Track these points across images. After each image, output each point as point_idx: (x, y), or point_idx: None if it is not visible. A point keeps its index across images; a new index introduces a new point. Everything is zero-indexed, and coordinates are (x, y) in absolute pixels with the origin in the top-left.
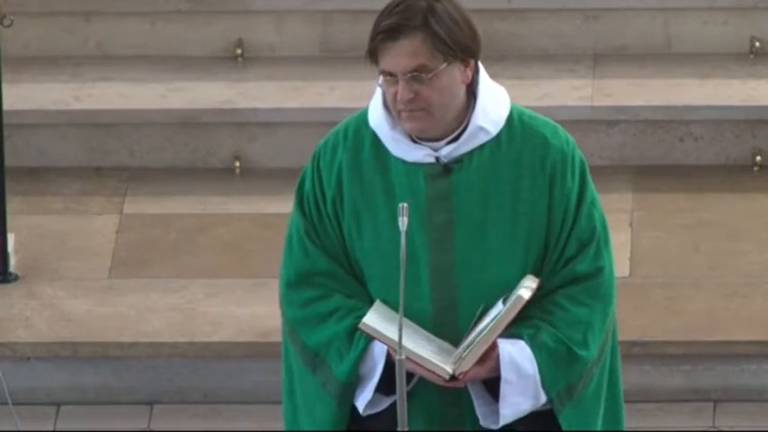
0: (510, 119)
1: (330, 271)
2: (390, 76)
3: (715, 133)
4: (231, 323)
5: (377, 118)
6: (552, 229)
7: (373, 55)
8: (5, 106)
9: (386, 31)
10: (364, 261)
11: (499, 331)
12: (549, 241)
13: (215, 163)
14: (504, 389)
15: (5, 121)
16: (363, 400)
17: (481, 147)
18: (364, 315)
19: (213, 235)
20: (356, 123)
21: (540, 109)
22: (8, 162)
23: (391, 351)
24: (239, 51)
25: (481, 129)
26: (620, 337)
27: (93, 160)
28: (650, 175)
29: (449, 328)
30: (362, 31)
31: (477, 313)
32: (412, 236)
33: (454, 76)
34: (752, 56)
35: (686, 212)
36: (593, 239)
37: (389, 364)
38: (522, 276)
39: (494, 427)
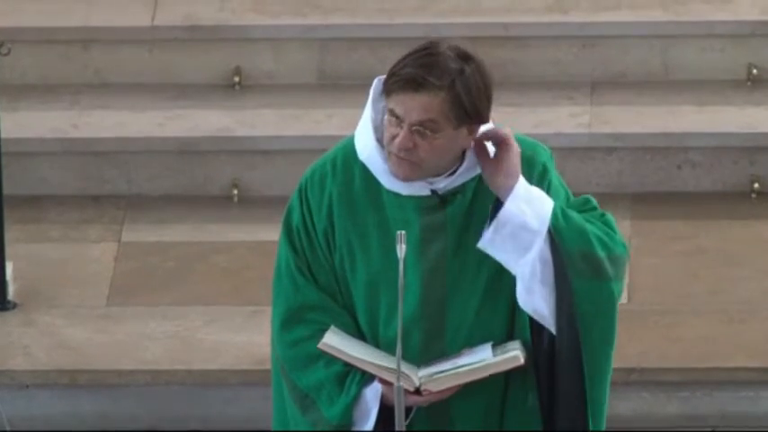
0: None
1: (322, 304)
2: (396, 118)
3: (713, 160)
4: (229, 351)
5: (367, 151)
6: None
7: (386, 89)
8: (3, 134)
9: (408, 80)
10: (356, 293)
11: (479, 376)
12: None
13: (213, 191)
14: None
15: (3, 149)
16: None
17: (474, 177)
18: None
19: (211, 263)
20: (344, 155)
21: (538, 136)
22: (6, 190)
23: (358, 366)
24: (237, 79)
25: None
26: (618, 364)
27: (91, 188)
28: (648, 202)
29: (434, 358)
30: (360, 59)
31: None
32: (405, 268)
33: (457, 139)
34: (749, 83)
35: (684, 239)
36: (591, 202)
37: (383, 408)
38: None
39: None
